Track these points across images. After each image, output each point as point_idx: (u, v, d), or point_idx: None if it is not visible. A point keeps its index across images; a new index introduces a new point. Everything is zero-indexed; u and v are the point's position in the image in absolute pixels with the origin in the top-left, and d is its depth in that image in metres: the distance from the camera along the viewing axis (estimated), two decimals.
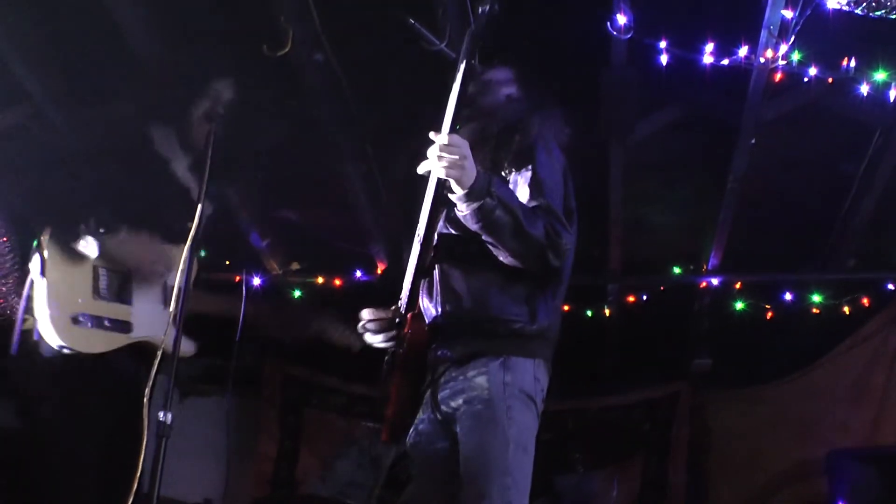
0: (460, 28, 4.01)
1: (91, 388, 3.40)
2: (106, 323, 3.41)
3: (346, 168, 5.51)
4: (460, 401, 3.09)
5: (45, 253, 3.35)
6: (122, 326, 3.45)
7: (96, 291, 3.41)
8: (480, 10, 2.95)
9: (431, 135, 2.89)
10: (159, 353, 3.02)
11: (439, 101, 4.36)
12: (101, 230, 3.38)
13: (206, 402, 7.25)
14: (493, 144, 3.21)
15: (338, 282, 6.82)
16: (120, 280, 3.48)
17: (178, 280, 3.07)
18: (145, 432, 2.89)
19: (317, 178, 5.84)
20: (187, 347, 3.68)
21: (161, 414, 2.84)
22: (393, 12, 3.92)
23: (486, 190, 2.91)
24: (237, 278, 6.07)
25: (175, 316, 3.18)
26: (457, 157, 2.85)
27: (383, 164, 5.58)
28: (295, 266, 6.81)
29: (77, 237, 3.33)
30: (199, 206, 3.12)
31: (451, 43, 4.07)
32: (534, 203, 3.09)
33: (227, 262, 6.47)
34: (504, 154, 3.25)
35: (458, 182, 2.89)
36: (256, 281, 6.62)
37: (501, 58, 3.46)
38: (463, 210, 2.95)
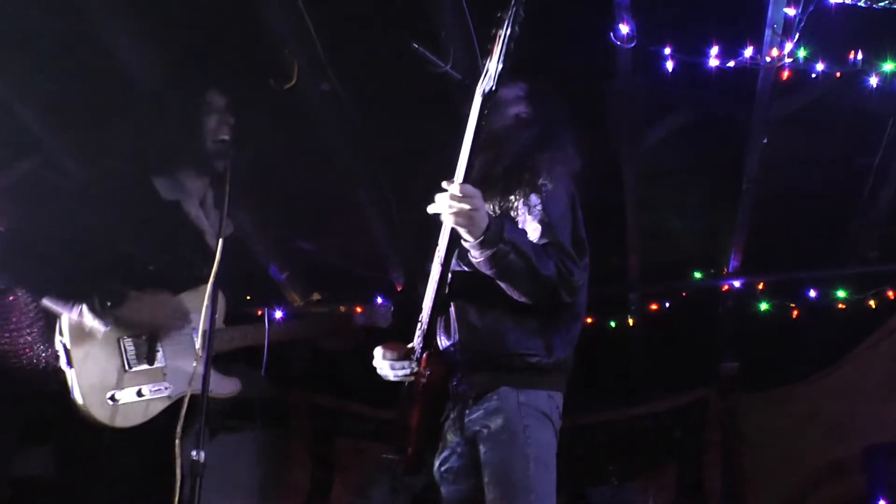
0: (464, 50, 4.03)
1: (124, 434, 3.40)
2: (143, 391, 3.40)
3: (360, 195, 5.53)
4: (481, 426, 3.12)
5: (67, 342, 3.35)
6: (160, 389, 3.45)
7: (126, 364, 3.40)
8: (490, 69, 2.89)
9: (444, 184, 2.88)
10: (187, 398, 3.03)
11: (445, 123, 4.40)
12: (108, 303, 3.36)
13: (236, 437, 7.25)
14: (501, 182, 3.21)
15: (359, 309, 6.80)
16: (147, 343, 3.47)
17: (202, 321, 3.08)
18: (178, 472, 2.89)
19: (332, 206, 5.86)
20: (231, 387, 3.69)
21: (194, 453, 2.84)
22: (395, 37, 3.94)
23: (499, 236, 2.92)
24: (259, 312, 6.08)
25: (213, 358, 3.19)
26: (467, 207, 2.85)
27: (396, 188, 5.59)
28: (316, 296, 6.83)
29: (82, 319, 3.32)
30: (220, 241, 3.13)
31: (455, 64, 4.08)
32: (544, 241, 3.11)
33: (249, 297, 6.49)
34: (513, 190, 3.26)
35: (469, 232, 2.90)
36: (278, 314, 6.63)
37: (511, 74, 3.46)
38: (476, 257, 2.97)
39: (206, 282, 3.38)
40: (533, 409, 3.11)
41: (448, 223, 2.93)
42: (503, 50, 2.79)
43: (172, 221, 3.59)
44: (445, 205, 2.87)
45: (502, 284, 3.07)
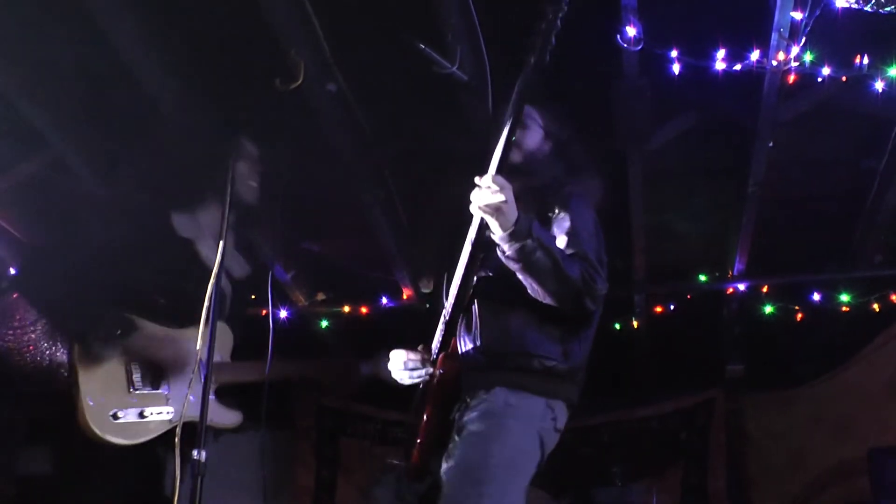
0: (471, 51, 4.03)
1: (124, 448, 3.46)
2: (145, 413, 3.46)
3: (366, 195, 5.53)
4: (467, 427, 3.15)
5: (76, 360, 3.42)
6: (162, 413, 3.51)
7: (131, 385, 3.47)
8: (531, 60, 2.99)
9: (476, 179, 2.94)
10: (186, 401, 3.06)
11: (452, 124, 4.40)
12: (118, 332, 3.44)
13: (239, 437, 7.25)
14: (534, 203, 3.25)
15: (364, 309, 6.82)
16: (153, 368, 3.53)
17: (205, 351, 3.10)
18: (178, 472, 2.90)
19: (337, 207, 5.86)
20: (232, 418, 3.73)
21: (195, 452, 2.85)
22: (403, 38, 3.94)
23: (527, 232, 2.97)
24: (263, 312, 6.09)
25: (211, 390, 3.23)
26: (498, 199, 2.90)
27: (402, 189, 5.60)
28: (320, 296, 6.83)
29: (92, 345, 3.40)
30: (221, 244, 3.15)
31: (462, 65, 4.09)
32: (570, 251, 3.16)
33: (253, 297, 6.49)
34: (545, 211, 3.34)
35: (500, 224, 2.95)
36: (283, 314, 6.63)
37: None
38: (505, 251, 3.00)
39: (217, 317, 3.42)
40: (520, 413, 3.12)
41: (478, 214, 2.98)
42: (553, 28, 2.96)
43: (184, 258, 3.64)
44: (476, 196, 2.93)
45: (528, 283, 3.10)
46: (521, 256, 2.99)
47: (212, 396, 3.26)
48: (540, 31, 3.01)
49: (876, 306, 6.71)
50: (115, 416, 3.41)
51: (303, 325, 6.94)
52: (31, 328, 3.88)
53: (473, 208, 2.98)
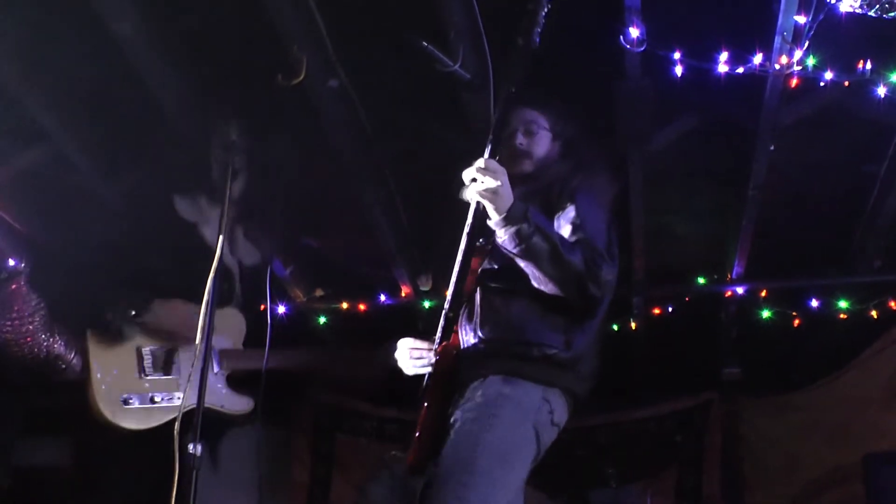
0: (473, 50, 4.03)
1: (135, 434, 3.49)
2: (156, 398, 3.50)
3: (366, 193, 5.52)
4: (459, 417, 3.11)
5: (88, 347, 3.46)
6: (172, 399, 3.55)
7: (141, 371, 3.53)
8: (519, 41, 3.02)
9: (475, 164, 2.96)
10: (198, 389, 3.06)
11: (454, 122, 4.39)
12: (132, 312, 3.49)
13: (236, 434, 7.26)
14: (539, 201, 3.25)
15: (362, 306, 6.82)
16: (164, 354, 3.58)
17: (220, 340, 3.12)
18: (176, 465, 2.91)
19: (337, 204, 5.85)
20: (244, 404, 3.75)
21: (191, 446, 2.86)
22: (406, 35, 3.94)
23: (523, 216, 2.97)
24: (262, 307, 6.09)
25: (229, 376, 3.26)
26: (491, 182, 2.91)
27: (402, 188, 5.59)
28: (319, 293, 6.82)
29: (107, 328, 3.45)
30: (220, 238, 3.15)
31: (464, 64, 4.09)
32: (574, 237, 3.13)
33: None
34: (550, 206, 3.32)
35: (494, 207, 2.95)
36: (281, 309, 6.63)
37: (530, 98, 3.54)
38: (501, 235, 3.01)
39: (227, 303, 3.45)
40: (514, 403, 3.08)
41: (472, 198, 2.98)
42: (541, 8, 2.98)
43: (190, 241, 3.66)
44: (470, 178, 2.95)
45: (529, 269, 3.08)
46: (518, 240, 2.98)
47: (223, 384, 3.29)
48: (527, 11, 3.02)
49: (874, 313, 6.71)
50: (126, 402, 3.45)
51: (301, 321, 6.93)
52: (30, 319, 3.88)
53: (468, 193, 2.99)
